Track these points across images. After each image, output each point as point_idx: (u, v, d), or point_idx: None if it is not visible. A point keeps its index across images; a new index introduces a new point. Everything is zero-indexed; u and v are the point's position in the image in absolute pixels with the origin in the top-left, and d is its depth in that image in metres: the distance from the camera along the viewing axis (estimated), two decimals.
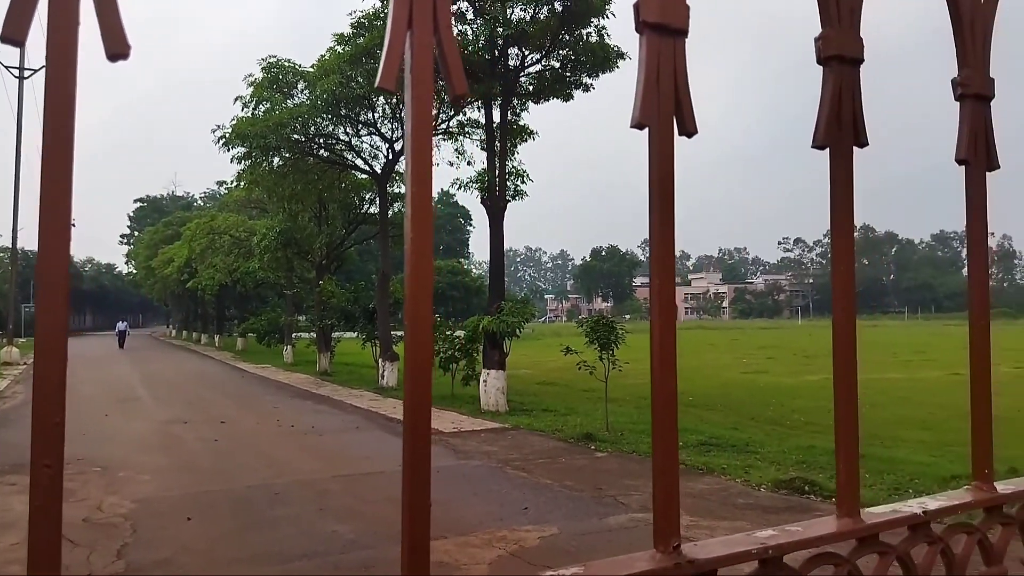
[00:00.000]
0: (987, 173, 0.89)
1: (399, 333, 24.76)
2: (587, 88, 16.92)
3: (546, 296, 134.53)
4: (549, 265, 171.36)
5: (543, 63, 16.26)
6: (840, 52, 0.72)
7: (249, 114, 19.46)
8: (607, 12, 15.49)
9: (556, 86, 16.45)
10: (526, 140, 18.08)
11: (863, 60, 0.74)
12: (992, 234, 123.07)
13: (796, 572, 0.70)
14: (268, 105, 19.31)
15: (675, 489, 0.67)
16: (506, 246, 17.19)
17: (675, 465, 0.67)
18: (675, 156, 0.68)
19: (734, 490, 7.63)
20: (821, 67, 0.76)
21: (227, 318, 48.39)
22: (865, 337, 48.42)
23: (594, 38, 15.78)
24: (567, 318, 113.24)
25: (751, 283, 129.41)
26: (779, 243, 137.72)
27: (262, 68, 19.97)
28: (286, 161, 20.33)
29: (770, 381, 20.45)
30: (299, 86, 19.79)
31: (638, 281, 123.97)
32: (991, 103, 0.84)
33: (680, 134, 0.67)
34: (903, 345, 36.27)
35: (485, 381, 15.15)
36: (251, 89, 19.69)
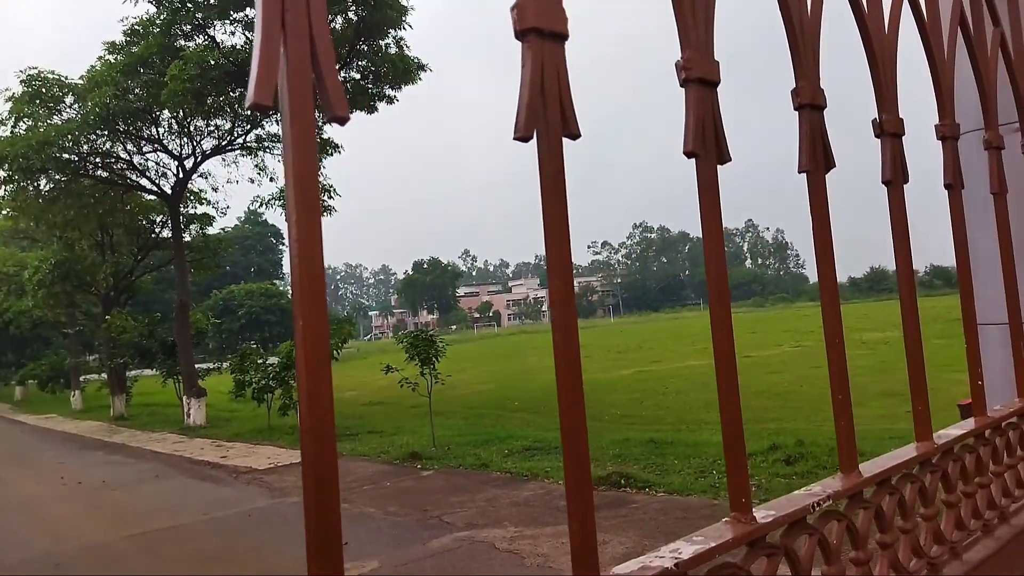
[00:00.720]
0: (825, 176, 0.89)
1: (205, 366, 22.97)
2: (391, 100, 16.68)
3: (370, 313, 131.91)
4: (371, 281, 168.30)
5: (342, 74, 15.78)
6: (701, 76, 0.70)
7: (8, 132, 17.11)
8: (404, 23, 15.35)
9: (358, 98, 16.04)
10: (331, 154, 17.47)
11: (719, 82, 0.72)
12: (767, 228, 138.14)
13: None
14: (30, 122, 17.09)
15: (590, 516, 0.53)
16: (325, 263, 16.46)
17: (589, 495, 0.47)
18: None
19: (557, 493, 7.69)
20: (681, 88, 0.72)
21: (2, 365, 42.48)
22: (667, 329, 52.26)
23: (393, 49, 15.58)
24: (393, 334, 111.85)
25: None
26: (588, 247, 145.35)
27: (21, 81, 17.64)
28: (56, 184, 18.08)
29: (587, 378, 20.90)
30: (67, 100, 17.69)
31: (462, 291, 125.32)
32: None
33: (565, 136, 0.62)
34: (701, 334, 39.42)
35: None
36: (9, 105, 17.33)
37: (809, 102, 0.84)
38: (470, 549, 5.72)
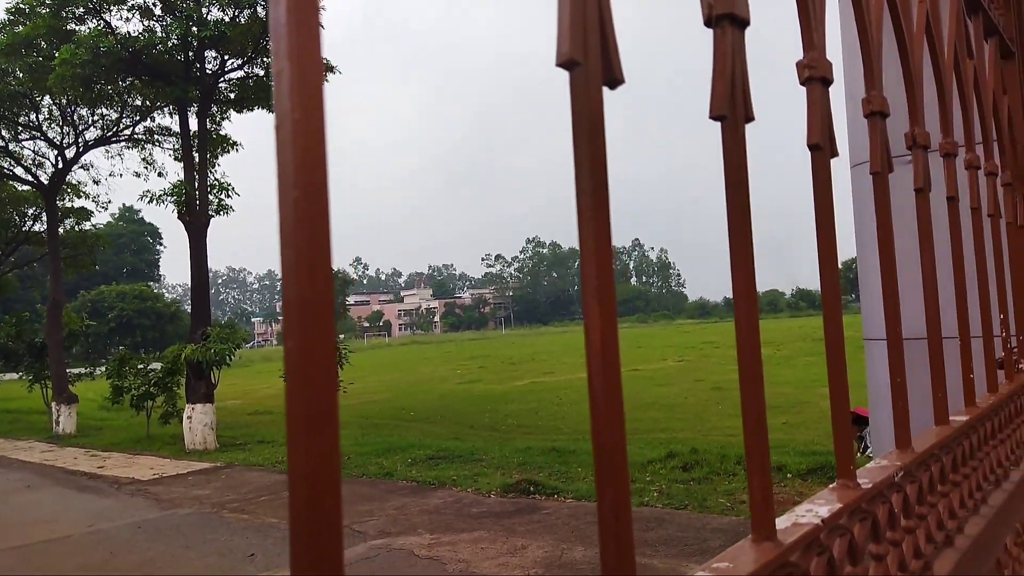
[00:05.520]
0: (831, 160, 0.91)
1: (77, 370, 21.38)
2: None
3: (253, 319, 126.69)
4: (256, 286, 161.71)
5: (246, 69, 15.26)
6: (731, 10, 0.66)
7: None
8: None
9: (261, 95, 15.54)
10: (228, 151, 16.80)
11: (749, 23, 0.69)
12: (652, 248, 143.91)
13: None
14: None
15: (630, 550, 0.54)
16: (209, 266, 15.77)
17: (628, 522, 0.54)
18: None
19: (467, 500, 7.75)
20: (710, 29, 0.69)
21: None
22: (558, 342, 53.59)
23: None
24: (277, 341, 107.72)
25: (459, 297, 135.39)
26: (482, 259, 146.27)
27: None
28: None
29: (484, 390, 21.43)
30: None
31: (351, 300, 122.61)
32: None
33: (606, 83, 0.55)
34: None
35: (190, 417, 13.66)
36: None
37: (821, 76, 0.90)
38: (388, 557, 5.68)
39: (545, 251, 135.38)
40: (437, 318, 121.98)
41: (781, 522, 0.72)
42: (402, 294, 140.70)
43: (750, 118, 0.73)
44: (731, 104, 0.70)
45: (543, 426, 13.43)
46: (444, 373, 28.92)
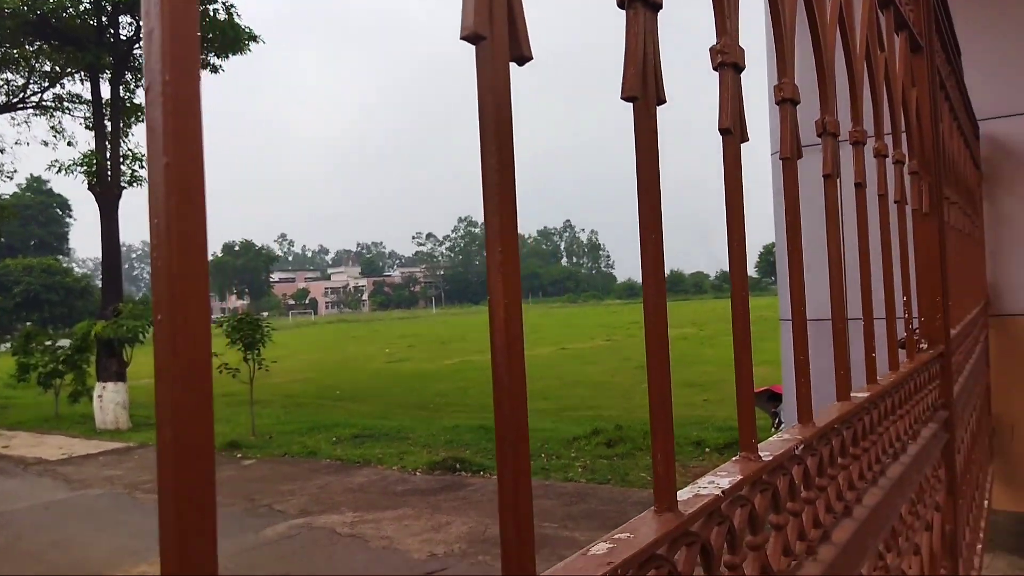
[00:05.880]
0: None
1: None
2: (215, 69, 15.61)
3: None
4: None
5: None
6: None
7: None
8: None
9: None
10: (142, 120, 15.99)
11: (662, 6, 0.71)
12: (583, 229, 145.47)
13: None
14: None
15: (529, 522, 0.53)
16: (121, 240, 15.09)
17: (527, 493, 0.54)
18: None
19: (392, 478, 7.72)
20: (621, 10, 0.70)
21: None
22: (487, 323, 53.00)
23: (222, 16, 14.60)
24: None
25: (389, 276, 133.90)
26: (413, 237, 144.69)
27: None
28: None
29: (412, 369, 21.33)
30: None
31: (276, 277, 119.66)
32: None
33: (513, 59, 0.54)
34: None
35: (100, 396, 13.11)
36: None
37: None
38: (310, 535, 5.60)
39: (477, 230, 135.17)
40: (365, 296, 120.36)
41: (683, 494, 0.74)
42: (329, 272, 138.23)
43: (662, 100, 0.73)
44: (643, 86, 0.71)
45: (472, 404, 13.47)
46: (372, 352, 28.62)
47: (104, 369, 13.34)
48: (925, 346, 2.11)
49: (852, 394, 1.34)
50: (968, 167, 3.78)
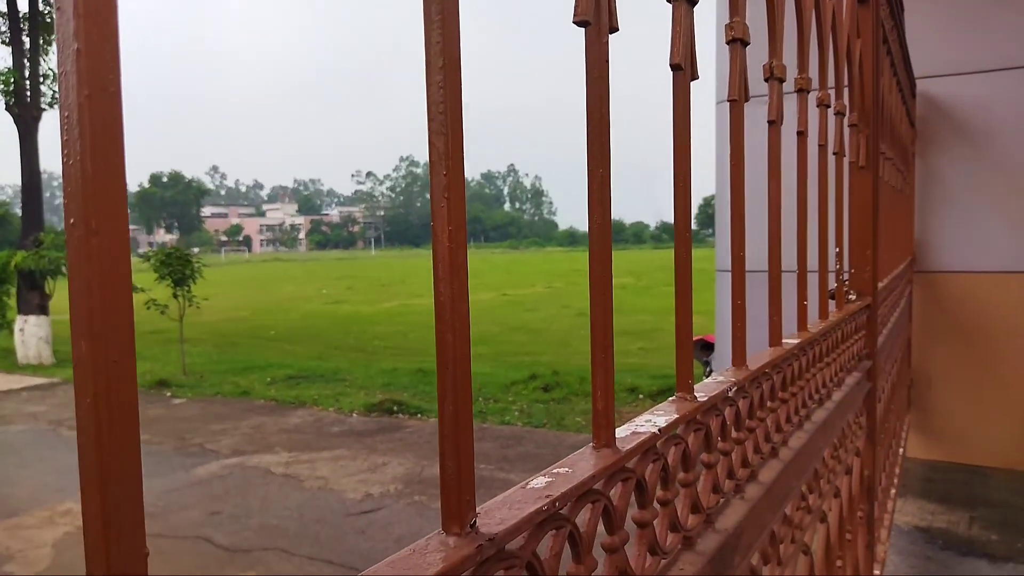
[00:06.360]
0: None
1: None
2: None
3: None
4: None
5: None
6: None
7: None
8: None
9: None
10: None
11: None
12: (527, 174, 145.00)
13: (565, 518, 0.62)
14: None
15: (470, 455, 0.52)
16: (42, 167, 14.27)
17: (468, 425, 0.52)
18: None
19: (328, 419, 7.69)
20: None
21: None
22: (428, 267, 52.74)
23: None
24: None
25: (327, 215, 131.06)
26: (352, 175, 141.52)
27: None
28: None
29: (350, 311, 21.12)
30: None
31: (208, 211, 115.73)
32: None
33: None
34: None
35: (22, 329, 12.60)
36: None
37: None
38: (243, 475, 5.55)
39: (419, 171, 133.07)
40: (302, 235, 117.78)
41: (620, 431, 0.74)
42: (264, 208, 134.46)
43: (615, 28, 0.71)
44: (596, 10, 0.68)
45: (411, 348, 13.47)
46: (309, 292, 28.17)
47: (25, 302, 12.78)
48: (853, 297, 2.18)
49: (784, 340, 1.37)
50: (904, 124, 3.88)
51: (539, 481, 0.63)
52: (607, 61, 0.71)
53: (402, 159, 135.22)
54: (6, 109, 13.13)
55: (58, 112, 0.31)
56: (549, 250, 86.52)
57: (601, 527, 0.68)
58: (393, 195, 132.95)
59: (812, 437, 1.48)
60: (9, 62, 13.37)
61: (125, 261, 0.31)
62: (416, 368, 10.31)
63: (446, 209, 0.51)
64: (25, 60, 13.17)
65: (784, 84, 1.33)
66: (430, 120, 0.51)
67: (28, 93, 13.10)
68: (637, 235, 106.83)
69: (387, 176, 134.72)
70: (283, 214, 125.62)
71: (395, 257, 75.45)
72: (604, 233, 0.70)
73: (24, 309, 12.75)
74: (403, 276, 36.06)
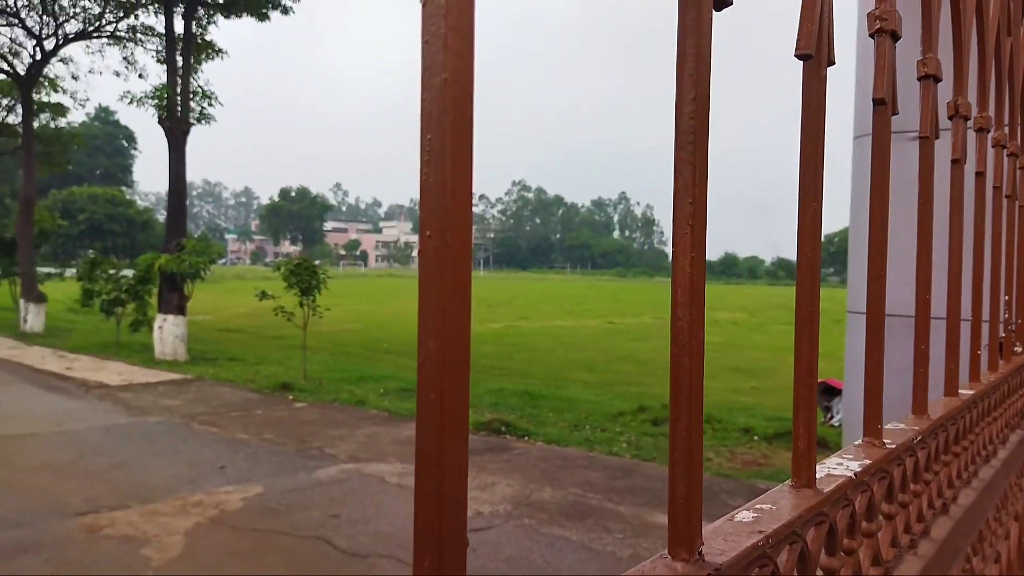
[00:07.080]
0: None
1: (47, 270, 21.07)
2: (286, 10, 15.71)
3: (227, 236, 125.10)
4: (231, 202, 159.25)
5: None
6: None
7: None
8: None
9: (252, 1, 15.00)
10: (213, 58, 16.28)
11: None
12: (638, 203, 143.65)
13: (769, 557, 0.60)
14: None
15: (699, 480, 0.52)
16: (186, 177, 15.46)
17: (699, 450, 0.52)
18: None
19: None
20: None
21: None
22: (536, 288, 53.83)
23: None
24: (251, 260, 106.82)
25: None
26: None
27: None
28: None
29: None
30: None
31: (329, 226, 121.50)
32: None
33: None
34: (568, 297, 40.79)
35: (161, 327, 13.59)
36: None
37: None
38: (360, 481, 5.75)
39: (530, 195, 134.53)
40: (415, 253, 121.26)
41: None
42: (381, 225, 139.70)
43: (831, 61, 0.71)
44: (817, 43, 0.68)
45: (517, 369, 13.56)
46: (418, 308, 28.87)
47: (165, 302, 13.79)
48: (1019, 350, 2.03)
49: (960, 391, 1.30)
50: None
51: (745, 515, 0.63)
52: (824, 94, 0.71)
53: (514, 183, 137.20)
54: (159, 122, 14.34)
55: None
56: (658, 280, 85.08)
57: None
58: (504, 218, 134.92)
59: (979, 496, 1.39)
60: (163, 79, 14.61)
61: (467, 270, 0.34)
62: (522, 390, 10.37)
63: (689, 236, 0.52)
64: (177, 78, 14.34)
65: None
66: (678, 149, 0.52)
67: (179, 108, 14.25)
68: (751, 270, 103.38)
69: (499, 199, 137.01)
70: (398, 231, 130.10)
71: (503, 279, 76.40)
72: (813, 268, 0.69)
73: (164, 308, 13.76)
74: (509, 298, 36.45)
